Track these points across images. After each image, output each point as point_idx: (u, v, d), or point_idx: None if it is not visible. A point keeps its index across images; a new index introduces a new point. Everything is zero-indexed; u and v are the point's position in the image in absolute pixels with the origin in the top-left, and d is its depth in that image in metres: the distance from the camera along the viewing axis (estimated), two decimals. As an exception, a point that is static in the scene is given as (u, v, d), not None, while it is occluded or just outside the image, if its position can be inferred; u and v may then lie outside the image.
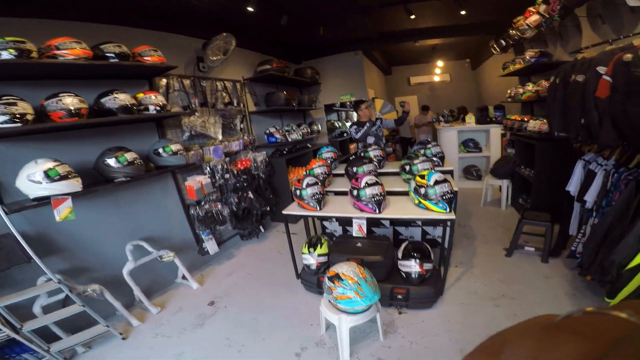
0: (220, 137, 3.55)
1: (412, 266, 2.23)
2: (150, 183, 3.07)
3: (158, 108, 2.77)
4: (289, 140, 4.45)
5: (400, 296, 2.28)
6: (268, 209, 3.92)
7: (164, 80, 3.23)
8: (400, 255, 2.32)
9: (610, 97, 1.98)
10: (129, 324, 2.50)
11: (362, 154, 3.27)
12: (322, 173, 2.95)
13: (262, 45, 4.90)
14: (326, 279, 1.68)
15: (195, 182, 3.23)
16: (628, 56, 1.88)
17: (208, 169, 3.40)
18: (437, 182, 2.20)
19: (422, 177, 2.27)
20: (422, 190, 2.22)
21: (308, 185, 2.52)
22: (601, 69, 2.06)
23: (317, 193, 2.50)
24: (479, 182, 5.26)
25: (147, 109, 2.73)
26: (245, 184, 3.67)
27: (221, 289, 2.95)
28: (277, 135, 4.33)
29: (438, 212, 2.18)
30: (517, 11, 3.60)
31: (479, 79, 8.45)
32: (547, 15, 3.13)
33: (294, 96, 4.77)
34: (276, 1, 3.57)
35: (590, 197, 2.34)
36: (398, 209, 2.38)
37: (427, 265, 2.26)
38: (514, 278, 2.61)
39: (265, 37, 4.75)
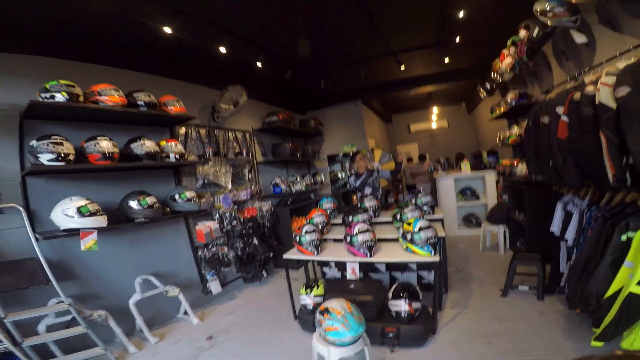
0: (230, 186, 3.89)
1: (402, 305, 2.38)
2: (164, 225, 3.39)
3: (177, 156, 3.12)
4: (293, 191, 4.75)
5: (391, 334, 2.39)
6: (271, 255, 4.13)
7: (183, 129, 3.65)
8: (390, 295, 2.48)
9: (569, 137, 2.08)
10: (125, 351, 2.63)
11: (359, 205, 3.55)
12: (321, 222, 3.21)
13: (270, 95, 5.45)
14: (317, 314, 1.86)
15: (205, 226, 3.52)
16: (577, 95, 1.98)
17: (217, 215, 3.71)
18: (421, 229, 2.43)
19: (409, 224, 2.51)
20: (409, 236, 2.46)
21: (307, 232, 2.77)
22: (559, 109, 2.18)
23: (315, 239, 2.75)
24: (478, 229, 5.37)
25: (168, 157, 3.07)
26: (250, 231, 3.93)
27: (220, 326, 3.08)
28: (282, 186, 4.66)
29: (424, 255, 2.39)
30: (495, 54, 3.85)
31: (474, 123, 8.79)
32: (517, 57, 3.30)
33: (298, 147, 5.19)
34: (282, 57, 4.09)
35: (569, 235, 2.50)
36: (388, 253, 2.59)
37: (416, 305, 2.40)
38: (509, 316, 2.67)
39: (273, 88, 5.31)
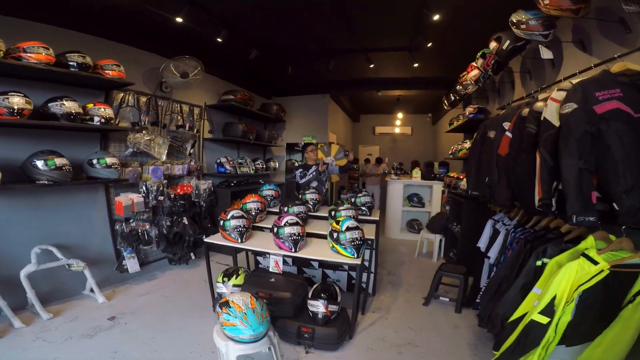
0: (164, 158, 3.56)
1: (319, 306, 2.28)
2: (78, 192, 3.04)
3: (103, 120, 2.84)
4: (238, 172, 4.51)
5: (307, 335, 2.29)
6: (203, 237, 3.86)
7: (121, 94, 3.31)
8: (310, 294, 2.37)
9: (508, 154, 2.00)
10: (10, 325, 2.37)
11: (300, 196, 3.41)
12: (255, 208, 3.02)
13: (232, 75, 5.13)
14: (217, 306, 1.70)
15: (127, 198, 3.18)
16: (525, 111, 1.91)
17: (144, 188, 3.37)
18: (349, 229, 2.33)
19: (338, 222, 2.41)
20: (335, 235, 2.35)
21: (233, 217, 2.57)
22: (506, 125, 2.09)
23: (240, 226, 2.55)
24: (418, 235, 5.53)
25: (92, 120, 2.81)
26: (181, 209, 3.64)
27: (129, 307, 2.85)
28: (227, 166, 4.40)
29: (346, 256, 2.29)
30: (465, 68, 3.85)
31: (436, 133, 9.03)
32: (483, 70, 3.25)
33: (252, 129, 4.92)
34: (247, 35, 3.83)
35: (493, 253, 2.51)
36: (315, 250, 2.46)
37: (333, 307, 2.31)
38: (425, 326, 2.69)
39: (236, 67, 5.00)
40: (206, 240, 2.64)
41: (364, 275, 3.20)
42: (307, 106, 6.43)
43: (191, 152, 4.07)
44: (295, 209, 2.93)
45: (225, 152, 4.87)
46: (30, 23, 2.71)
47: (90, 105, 2.82)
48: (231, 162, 4.44)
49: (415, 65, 4.53)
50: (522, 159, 1.85)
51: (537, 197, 1.66)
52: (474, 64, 3.49)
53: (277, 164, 5.80)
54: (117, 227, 3.21)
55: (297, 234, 2.37)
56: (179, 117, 3.92)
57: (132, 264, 3.26)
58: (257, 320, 1.61)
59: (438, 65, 5.01)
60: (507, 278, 2.03)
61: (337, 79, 5.84)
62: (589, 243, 1.49)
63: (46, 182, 2.46)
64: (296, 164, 6.38)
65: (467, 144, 4.29)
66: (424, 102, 8.13)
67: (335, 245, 2.35)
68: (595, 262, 1.35)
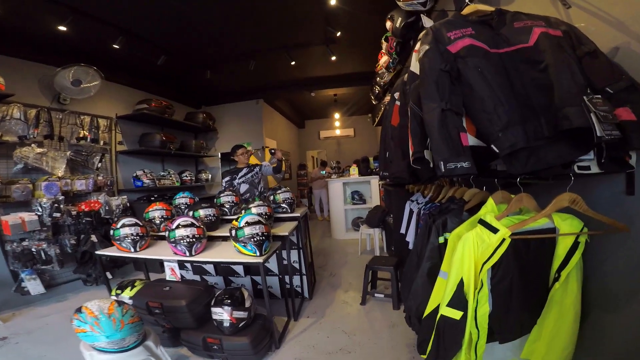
0: (60, 173, 3.26)
1: (223, 314, 2.10)
2: None
3: None
4: (158, 186, 4.26)
5: (215, 346, 2.11)
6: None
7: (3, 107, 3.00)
8: (213, 301, 2.19)
9: (399, 123, 1.85)
10: None
11: (215, 200, 3.26)
12: (159, 217, 2.83)
13: (151, 85, 4.92)
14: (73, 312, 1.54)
15: (15, 217, 2.86)
16: (406, 75, 1.74)
17: (38, 206, 3.05)
18: (248, 224, 2.20)
19: (237, 219, 2.29)
20: (233, 232, 2.23)
21: (124, 225, 2.38)
22: (396, 94, 1.97)
23: (133, 234, 2.37)
24: (363, 232, 5.58)
25: None
26: (88, 227, 3.34)
27: (25, 327, 2.68)
28: (145, 180, 4.13)
29: (247, 254, 2.16)
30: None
31: (377, 133, 9.36)
32: (389, 54, 3.15)
33: (174, 139, 4.69)
34: (152, 42, 3.67)
35: (410, 237, 2.25)
36: (217, 253, 2.32)
37: (239, 314, 2.13)
38: (360, 328, 2.54)
39: (153, 77, 4.79)
40: (98, 252, 2.42)
41: (297, 279, 3.15)
42: (240, 113, 6.32)
43: (99, 166, 3.77)
44: (202, 212, 2.77)
45: (145, 165, 4.58)
46: None
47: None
48: (149, 175, 4.18)
49: (333, 58, 4.61)
50: (405, 122, 1.63)
51: (410, 153, 1.42)
52: (382, 50, 3.49)
53: (210, 175, 5.57)
54: (8, 247, 2.86)
55: (191, 236, 2.21)
56: (82, 131, 3.62)
57: (33, 285, 2.96)
58: (112, 326, 1.47)
59: (356, 59, 5.12)
60: (418, 264, 1.70)
61: (266, 82, 5.83)
62: (489, 207, 1.20)
63: None
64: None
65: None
66: (361, 103, 8.34)
67: (235, 244, 2.22)
68: (495, 230, 1.09)
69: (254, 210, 2.74)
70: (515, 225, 1.09)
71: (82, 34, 3.07)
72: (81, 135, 3.58)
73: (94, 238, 3.33)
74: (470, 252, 1.10)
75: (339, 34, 3.94)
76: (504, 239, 1.07)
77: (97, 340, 1.46)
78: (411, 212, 2.35)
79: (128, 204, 3.85)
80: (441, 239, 1.47)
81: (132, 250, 2.34)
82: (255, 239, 2.16)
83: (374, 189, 5.80)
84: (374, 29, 3.69)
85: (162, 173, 4.48)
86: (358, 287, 3.35)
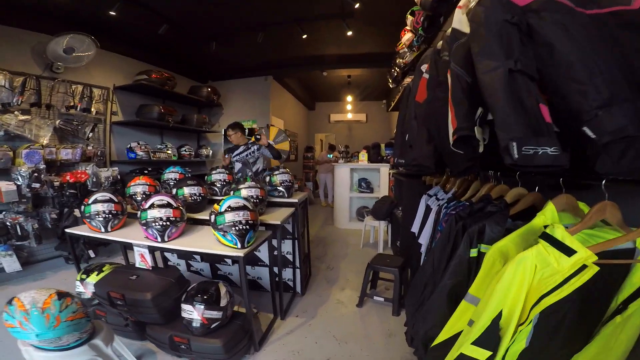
0: (44, 141, 3.05)
1: (192, 312, 1.83)
2: None
3: None
4: (152, 159, 4.04)
5: (183, 346, 1.88)
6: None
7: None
8: (183, 297, 1.92)
9: (426, 99, 1.50)
10: None
11: (205, 177, 2.99)
12: (141, 193, 2.59)
13: (154, 57, 4.66)
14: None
15: (-11, 188, 2.67)
16: (440, 42, 1.44)
17: (18, 175, 2.85)
18: (230, 209, 1.91)
19: (219, 202, 2.01)
20: (213, 218, 1.94)
21: (96, 201, 2.13)
22: (423, 67, 1.65)
23: (105, 212, 2.12)
24: (368, 223, 5.26)
25: None
26: (72, 200, 3.15)
27: None
28: (139, 152, 3.92)
29: (226, 245, 1.88)
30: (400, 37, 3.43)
31: (391, 120, 8.81)
32: (414, 30, 2.85)
33: (173, 112, 4.44)
34: (153, 9, 3.36)
35: (423, 238, 1.91)
36: (195, 240, 2.03)
37: (212, 314, 1.84)
38: (353, 334, 2.26)
39: (156, 48, 4.51)
40: (67, 231, 2.20)
41: (289, 272, 2.88)
42: (248, 89, 6.00)
43: (90, 136, 3.56)
44: (186, 190, 2.49)
45: (142, 137, 4.37)
46: None
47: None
48: (143, 147, 3.96)
49: (349, 33, 4.19)
50: (437, 95, 1.30)
51: (451, 131, 1.04)
52: (407, 27, 3.12)
53: (211, 152, 5.34)
54: None
55: (165, 218, 1.93)
56: (72, 99, 3.40)
57: (8, 262, 2.79)
58: (44, 323, 1.23)
59: (374, 37, 4.67)
60: (433, 276, 1.37)
61: (277, 58, 5.45)
62: (548, 215, 0.89)
63: None
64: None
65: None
66: (375, 86, 7.87)
67: (214, 232, 1.92)
68: (570, 251, 0.76)
69: (243, 192, 2.46)
70: (600, 245, 0.78)
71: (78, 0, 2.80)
72: (71, 104, 3.36)
73: (77, 213, 3.14)
74: (525, 279, 0.79)
75: (357, 5, 3.52)
76: (584, 266, 0.76)
77: (27, 338, 1.24)
78: (428, 209, 2.00)
79: (119, 177, 3.66)
80: (473, 252, 1.14)
81: (103, 230, 2.10)
82: (237, 228, 1.87)
83: (383, 178, 5.43)
84: (397, 1, 3.28)
85: (159, 146, 4.26)
86: (356, 285, 3.07)
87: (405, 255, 2.87)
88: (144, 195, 2.57)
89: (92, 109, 3.61)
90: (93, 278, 2.06)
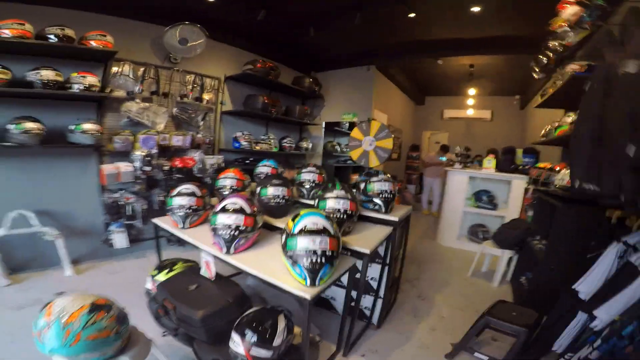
0: (160, 127, 3.29)
1: (238, 345, 1.43)
2: (68, 159, 2.97)
3: (81, 87, 2.71)
4: (254, 149, 4.05)
5: None
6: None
7: (124, 65, 3.16)
8: (237, 322, 1.53)
9: None
10: None
11: (296, 175, 2.64)
12: (229, 187, 2.43)
13: (259, 46, 4.63)
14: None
15: (112, 167, 2.99)
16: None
17: (138, 158, 3.13)
18: (306, 232, 1.47)
19: (295, 218, 1.58)
20: (283, 238, 1.55)
21: (180, 194, 2.02)
22: None
23: (186, 206, 1.99)
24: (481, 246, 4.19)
25: (71, 88, 2.72)
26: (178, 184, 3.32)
27: (89, 284, 2.65)
28: (242, 142, 3.97)
29: (295, 279, 1.46)
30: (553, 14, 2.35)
31: (525, 118, 7.08)
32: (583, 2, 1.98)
33: (277, 103, 4.36)
34: None
35: (606, 312, 1.42)
36: (263, 258, 1.67)
37: (260, 352, 1.41)
38: None
39: (260, 38, 4.49)
40: (155, 220, 2.17)
41: (369, 299, 2.34)
42: (348, 80, 5.56)
43: (201, 124, 3.74)
44: (270, 190, 2.18)
45: (248, 127, 4.44)
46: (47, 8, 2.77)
47: (75, 74, 2.73)
48: (247, 137, 3.99)
49: (476, 9, 3.23)
50: None
51: None
52: None
53: (311, 145, 5.13)
54: (104, 197, 3.04)
55: (234, 227, 1.64)
56: (188, 88, 3.62)
57: (119, 238, 3.08)
58: (61, 339, 1.05)
59: (510, 13, 3.50)
60: None
61: (380, 44, 4.78)
62: None
63: (11, 145, 2.44)
64: (336, 148, 5.56)
65: (570, 118, 2.71)
66: (507, 77, 6.30)
67: (282, 257, 1.53)
68: None
69: (329, 203, 1.99)
70: None
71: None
72: (183, 93, 3.57)
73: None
74: None
75: None
76: None
77: (42, 350, 1.08)
78: (630, 269, 1.45)
79: (223, 164, 3.77)
80: None
81: (181, 225, 1.98)
82: (310, 260, 1.44)
83: (514, 193, 4.22)
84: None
85: (263, 137, 4.28)
86: (452, 327, 2.34)
87: (538, 307, 2.03)
88: (230, 190, 2.42)
89: (204, 98, 3.76)
90: (163, 275, 1.94)
